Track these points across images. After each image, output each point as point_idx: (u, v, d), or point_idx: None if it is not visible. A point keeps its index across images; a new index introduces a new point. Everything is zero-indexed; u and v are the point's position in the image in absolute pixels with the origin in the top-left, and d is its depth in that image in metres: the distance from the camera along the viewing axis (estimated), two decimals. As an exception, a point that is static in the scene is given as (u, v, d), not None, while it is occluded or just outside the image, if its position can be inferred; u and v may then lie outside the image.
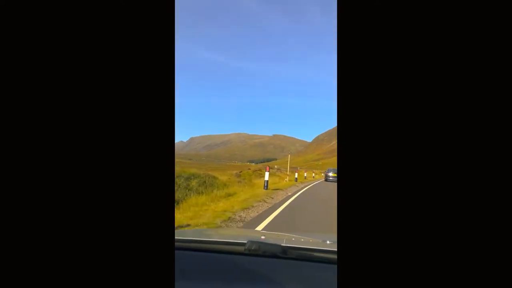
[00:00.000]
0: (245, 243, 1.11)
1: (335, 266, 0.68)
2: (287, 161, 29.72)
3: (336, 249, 1.27)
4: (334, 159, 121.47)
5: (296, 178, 19.60)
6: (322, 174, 36.08)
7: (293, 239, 1.73)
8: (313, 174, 33.43)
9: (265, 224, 5.06)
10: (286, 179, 19.67)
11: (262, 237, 1.74)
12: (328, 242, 1.57)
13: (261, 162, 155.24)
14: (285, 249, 1.10)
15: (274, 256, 1.07)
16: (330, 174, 22.60)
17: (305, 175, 25.91)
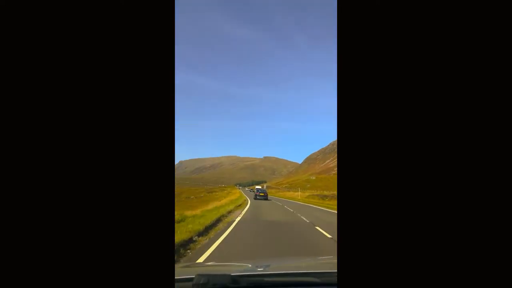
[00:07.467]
0: (193, 277, 1.06)
1: None
2: (276, 182, 31.85)
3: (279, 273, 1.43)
4: (326, 177, 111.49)
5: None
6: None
7: (245, 267, 1.74)
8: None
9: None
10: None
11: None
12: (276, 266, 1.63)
13: (250, 185, 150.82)
14: (235, 278, 1.07)
15: (224, 287, 1.03)
16: (258, 192, 28.88)
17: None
